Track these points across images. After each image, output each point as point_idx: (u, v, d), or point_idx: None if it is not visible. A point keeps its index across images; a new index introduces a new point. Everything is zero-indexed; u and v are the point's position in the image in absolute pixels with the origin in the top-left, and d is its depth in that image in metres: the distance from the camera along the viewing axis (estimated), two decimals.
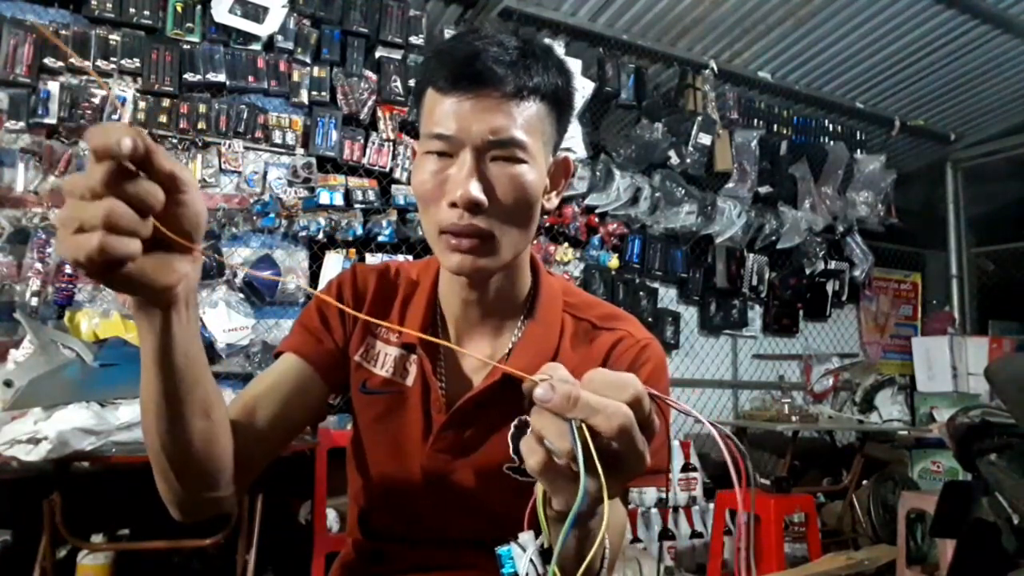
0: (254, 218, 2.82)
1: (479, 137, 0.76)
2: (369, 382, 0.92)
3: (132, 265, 0.51)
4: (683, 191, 3.80)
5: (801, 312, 4.42)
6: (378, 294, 0.94)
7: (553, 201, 0.88)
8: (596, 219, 3.63)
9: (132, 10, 2.71)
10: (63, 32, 2.62)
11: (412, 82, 3.15)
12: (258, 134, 2.88)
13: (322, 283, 2.83)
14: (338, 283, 0.95)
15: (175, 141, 2.72)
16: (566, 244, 3.54)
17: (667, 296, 3.96)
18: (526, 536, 0.58)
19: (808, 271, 4.36)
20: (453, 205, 0.76)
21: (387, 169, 3.14)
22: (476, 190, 0.75)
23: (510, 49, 0.77)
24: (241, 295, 2.76)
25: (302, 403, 0.88)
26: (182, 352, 0.61)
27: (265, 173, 2.90)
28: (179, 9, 2.80)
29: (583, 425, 0.47)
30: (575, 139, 3.44)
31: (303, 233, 2.92)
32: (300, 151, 2.98)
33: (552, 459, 0.50)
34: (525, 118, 0.77)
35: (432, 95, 0.79)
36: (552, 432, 0.49)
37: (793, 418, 3.49)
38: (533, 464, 0.50)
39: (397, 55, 3.20)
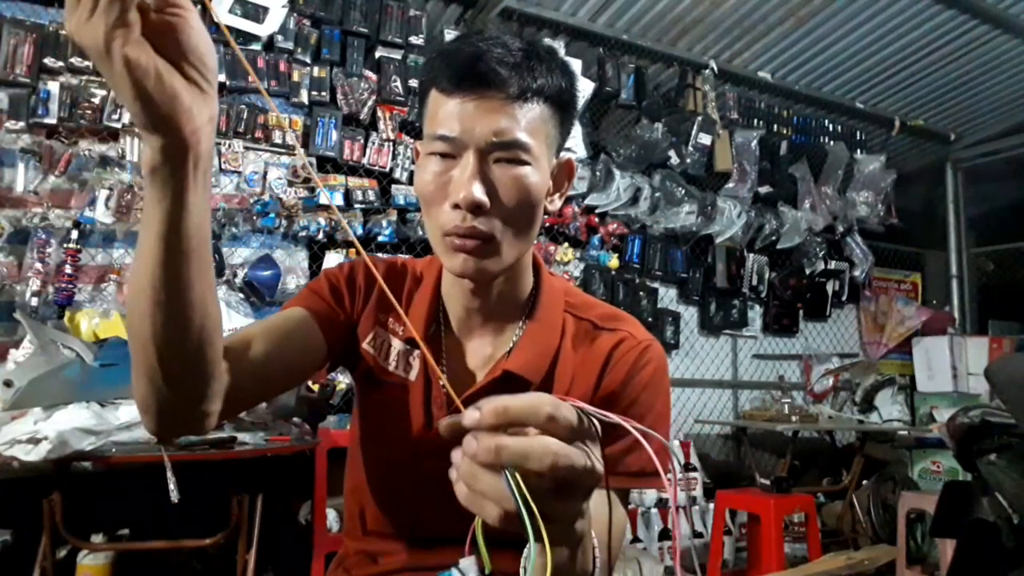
0: (254, 218, 2.82)
1: (482, 139, 0.76)
2: (374, 372, 0.92)
3: (133, 51, 0.49)
4: (683, 191, 3.80)
5: (801, 312, 4.42)
6: (387, 285, 0.94)
7: (556, 203, 0.88)
8: (596, 219, 3.64)
9: None
10: (62, 32, 2.62)
11: (412, 82, 3.16)
12: (258, 134, 2.88)
13: None
14: (351, 266, 0.96)
15: None
16: (566, 244, 3.54)
17: (667, 296, 3.97)
18: (467, 562, 0.57)
19: (808, 271, 4.36)
20: (456, 207, 0.77)
21: (387, 169, 3.14)
22: (478, 192, 0.75)
23: (514, 51, 0.77)
24: (241, 295, 2.77)
25: (301, 351, 0.86)
26: (196, 225, 0.57)
27: (265, 173, 2.90)
28: None
29: (516, 474, 0.45)
30: (575, 139, 3.44)
31: (303, 233, 2.92)
32: (300, 151, 2.98)
33: (507, 512, 0.47)
34: (528, 120, 0.77)
35: (435, 96, 0.79)
36: (496, 496, 0.46)
37: (793, 418, 3.49)
38: (496, 523, 0.47)
39: (397, 55, 3.20)
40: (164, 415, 0.68)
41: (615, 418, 0.52)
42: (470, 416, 0.46)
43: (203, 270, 0.61)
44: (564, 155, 0.88)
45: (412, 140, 3.15)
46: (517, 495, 0.45)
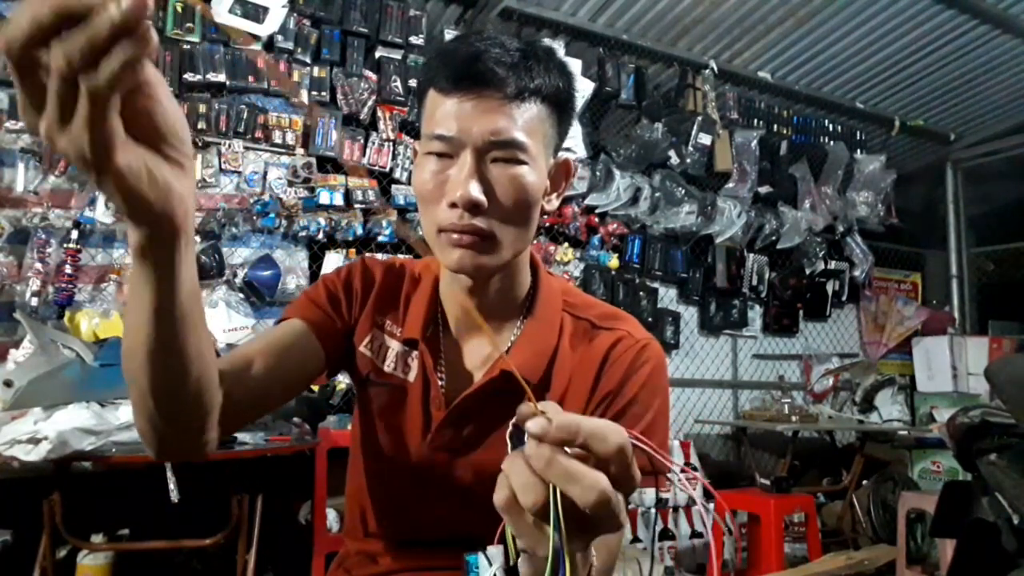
0: (254, 218, 2.82)
1: (480, 138, 0.76)
2: (373, 374, 0.93)
3: (123, 158, 0.46)
4: (683, 191, 3.80)
5: (801, 312, 4.42)
6: (384, 287, 0.95)
7: (553, 203, 0.88)
8: (596, 219, 3.64)
9: None
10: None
11: (412, 82, 3.16)
12: (258, 134, 2.88)
13: None
14: (348, 270, 0.96)
15: None
16: (566, 244, 3.54)
17: (667, 296, 3.97)
18: (495, 550, 0.57)
19: (808, 271, 4.36)
20: (453, 205, 0.77)
21: (387, 169, 3.14)
22: (476, 191, 0.75)
23: (512, 51, 0.78)
24: (241, 295, 2.77)
25: (299, 365, 0.87)
26: (188, 292, 0.57)
27: (265, 173, 2.90)
28: (179, 9, 2.80)
29: (558, 493, 0.45)
30: (575, 139, 3.44)
31: (303, 233, 2.92)
32: (300, 151, 2.98)
33: (516, 500, 0.47)
34: (526, 120, 0.78)
35: (433, 96, 0.80)
36: (518, 482, 0.46)
37: (793, 418, 3.49)
38: (497, 501, 0.48)
39: (397, 55, 3.20)
40: (163, 444, 0.70)
41: (662, 458, 0.52)
42: (538, 424, 0.46)
43: (198, 325, 0.62)
44: (562, 155, 0.88)
45: (412, 140, 3.15)
46: (552, 512, 0.45)
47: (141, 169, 0.48)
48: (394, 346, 0.92)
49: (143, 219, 0.51)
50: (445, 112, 0.77)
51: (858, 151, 4.60)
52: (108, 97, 0.43)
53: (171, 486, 1.81)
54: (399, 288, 0.95)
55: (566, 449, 0.46)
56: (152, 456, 0.72)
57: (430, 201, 0.80)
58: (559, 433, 0.45)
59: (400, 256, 3.06)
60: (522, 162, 0.78)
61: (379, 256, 3.03)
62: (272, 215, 2.84)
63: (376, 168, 3.12)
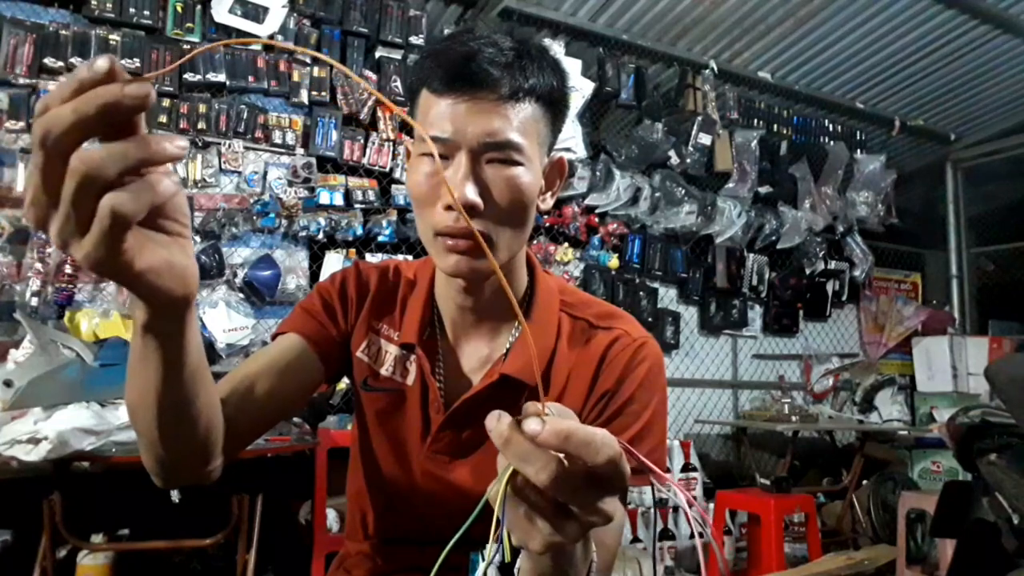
0: (254, 218, 2.82)
1: (475, 140, 0.75)
2: (371, 379, 0.93)
3: (144, 262, 0.46)
4: (683, 191, 3.80)
5: (801, 312, 4.42)
6: (379, 292, 0.94)
7: (548, 201, 0.87)
8: (596, 219, 3.64)
9: (132, 10, 2.72)
10: (63, 32, 2.62)
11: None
12: (258, 134, 2.88)
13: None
14: (342, 277, 0.96)
15: None
16: (566, 244, 3.54)
17: (667, 296, 3.97)
18: (492, 547, 0.58)
19: (808, 271, 4.36)
20: (449, 208, 0.76)
21: (387, 169, 3.14)
22: (472, 193, 0.75)
23: (505, 50, 0.77)
24: (241, 295, 2.77)
25: (299, 382, 0.88)
26: (195, 350, 0.59)
27: (265, 173, 2.90)
28: (179, 9, 2.80)
29: (510, 471, 0.46)
30: (575, 139, 3.44)
31: (303, 233, 2.92)
32: (300, 151, 2.98)
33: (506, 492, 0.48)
34: (521, 120, 0.77)
35: (427, 96, 0.79)
36: (501, 465, 0.48)
37: (793, 418, 3.49)
38: (489, 492, 0.50)
39: (397, 55, 3.20)
40: (170, 477, 0.73)
41: (667, 479, 0.53)
42: (530, 426, 0.46)
43: (205, 377, 0.64)
44: (556, 154, 0.87)
45: (410, 141, 3.14)
46: (500, 487, 0.46)
47: (161, 266, 0.48)
48: (391, 350, 0.92)
49: (160, 303, 0.52)
50: (439, 113, 0.76)
51: (858, 151, 4.60)
52: (133, 218, 0.42)
53: None
54: (395, 291, 0.95)
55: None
56: (159, 485, 0.74)
57: (425, 203, 0.79)
58: (548, 438, 0.45)
59: (397, 257, 3.07)
60: (517, 163, 0.77)
61: (378, 256, 3.05)
62: (272, 215, 2.84)
63: (376, 168, 3.12)
